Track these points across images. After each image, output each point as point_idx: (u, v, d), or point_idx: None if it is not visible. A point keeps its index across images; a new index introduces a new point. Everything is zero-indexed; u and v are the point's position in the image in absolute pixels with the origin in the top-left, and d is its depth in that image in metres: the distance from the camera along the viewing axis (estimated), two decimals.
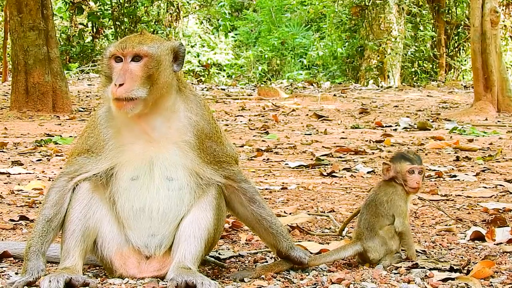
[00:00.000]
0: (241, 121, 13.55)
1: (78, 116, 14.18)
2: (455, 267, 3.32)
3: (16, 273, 3.34)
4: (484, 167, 7.33)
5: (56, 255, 3.44)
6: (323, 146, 9.55)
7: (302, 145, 9.70)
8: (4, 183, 6.35)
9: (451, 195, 5.70)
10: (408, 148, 9.34)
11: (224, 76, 29.21)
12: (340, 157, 8.41)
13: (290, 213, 4.97)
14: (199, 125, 3.25)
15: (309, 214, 4.89)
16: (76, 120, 13.41)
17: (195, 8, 30.22)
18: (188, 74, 27.74)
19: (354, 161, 7.96)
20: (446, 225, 4.56)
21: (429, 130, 11.98)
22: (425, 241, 4.07)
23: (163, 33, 26.73)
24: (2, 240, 4.14)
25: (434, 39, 27.85)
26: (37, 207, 5.11)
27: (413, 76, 27.65)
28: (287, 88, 21.77)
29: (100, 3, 26.56)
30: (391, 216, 3.49)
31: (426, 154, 8.63)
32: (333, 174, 6.99)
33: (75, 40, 27.58)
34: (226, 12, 30.96)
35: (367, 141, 10.25)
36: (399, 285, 3.09)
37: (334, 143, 9.88)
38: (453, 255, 3.73)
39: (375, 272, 3.27)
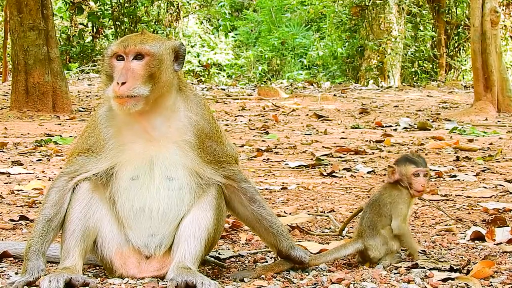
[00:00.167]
0: (241, 121, 13.55)
1: (78, 116, 14.18)
2: (455, 267, 3.32)
3: (16, 273, 3.34)
4: (484, 167, 7.33)
5: (56, 255, 3.44)
6: (323, 146, 9.55)
7: (302, 145, 9.70)
8: (4, 183, 6.35)
9: (451, 195, 5.70)
10: (408, 148, 9.34)
11: (224, 76, 29.21)
12: (340, 157, 8.41)
13: (290, 213, 4.97)
14: (199, 124, 3.25)
15: (309, 214, 4.89)
16: (76, 120, 13.42)
17: (195, 8, 30.23)
18: (188, 74, 27.74)
19: (354, 161, 7.96)
20: (446, 225, 4.56)
21: (429, 130, 11.99)
22: (425, 241, 4.07)
23: (163, 33, 26.73)
24: (2, 240, 4.14)
25: (434, 39, 27.86)
26: (37, 207, 5.12)
27: (413, 76, 27.65)
28: (287, 88, 21.77)
29: (100, 3, 26.56)
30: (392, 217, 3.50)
31: (426, 154, 8.62)
32: (333, 174, 6.99)
33: (75, 40, 27.58)
34: (226, 12, 30.96)
35: (367, 141, 10.26)
36: (399, 285, 3.09)
37: (334, 143, 9.88)
38: (453, 255, 3.73)
39: (375, 272, 3.27)
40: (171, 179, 3.21)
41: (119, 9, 26.26)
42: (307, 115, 14.76)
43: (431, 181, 6.50)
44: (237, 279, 3.26)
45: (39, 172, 7.03)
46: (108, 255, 3.23)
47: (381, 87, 23.00)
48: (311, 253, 3.63)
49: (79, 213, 3.17)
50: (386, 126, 12.56)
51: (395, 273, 3.29)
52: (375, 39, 25.52)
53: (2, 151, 8.70)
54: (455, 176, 6.73)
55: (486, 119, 13.78)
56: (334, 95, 19.03)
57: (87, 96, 18.50)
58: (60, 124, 12.67)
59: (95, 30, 27.93)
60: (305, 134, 11.34)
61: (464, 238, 4.15)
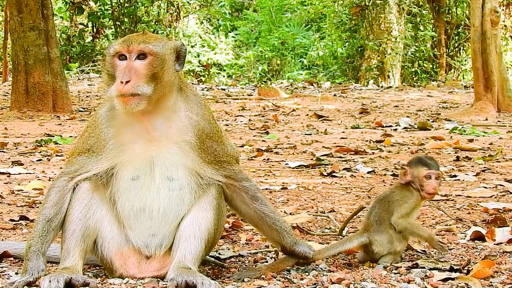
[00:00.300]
0: (241, 121, 13.55)
1: (78, 116, 14.18)
2: (455, 267, 3.32)
3: (16, 273, 3.34)
4: (484, 167, 7.33)
5: (56, 255, 3.44)
6: (323, 146, 9.55)
7: (302, 145, 9.70)
8: (4, 183, 6.36)
9: (451, 195, 5.70)
10: (409, 148, 9.34)
11: (224, 76, 29.21)
12: (340, 157, 8.41)
13: (290, 213, 4.97)
14: (200, 124, 3.25)
15: (309, 214, 4.90)
16: (76, 120, 13.41)
17: (195, 8, 30.22)
18: (188, 74, 27.74)
19: (354, 161, 7.96)
20: (446, 225, 4.56)
21: (429, 130, 11.98)
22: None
23: (163, 33, 26.73)
24: (2, 240, 4.14)
25: (434, 39, 27.85)
26: (37, 207, 5.12)
27: (413, 76, 27.64)
28: (287, 88, 21.77)
29: (100, 3, 26.56)
30: None
31: (426, 154, 8.63)
32: (333, 174, 6.99)
33: (75, 40, 27.58)
34: (226, 12, 30.96)
35: (367, 141, 10.25)
36: (399, 285, 3.09)
37: (334, 143, 9.88)
38: (453, 255, 3.73)
39: (375, 272, 3.27)
40: (171, 179, 3.21)
41: (119, 9, 26.25)
42: (307, 115, 14.76)
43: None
44: (241, 279, 3.25)
45: (39, 172, 7.03)
46: (108, 255, 3.23)
47: (381, 87, 23.00)
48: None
49: (79, 213, 3.17)
50: (386, 126, 12.56)
51: (395, 273, 3.29)
52: (375, 39, 25.52)
53: (2, 151, 8.70)
54: (455, 176, 6.74)
55: (486, 119, 13.78)
56: (334, 95, 19.03)
57: (87, 96, 18.50)
58: (60, 124, 12.67)
59: (95, 30, 27.93)
60: (305, 134, 11.33)
61: (464, 238, 4.15)
